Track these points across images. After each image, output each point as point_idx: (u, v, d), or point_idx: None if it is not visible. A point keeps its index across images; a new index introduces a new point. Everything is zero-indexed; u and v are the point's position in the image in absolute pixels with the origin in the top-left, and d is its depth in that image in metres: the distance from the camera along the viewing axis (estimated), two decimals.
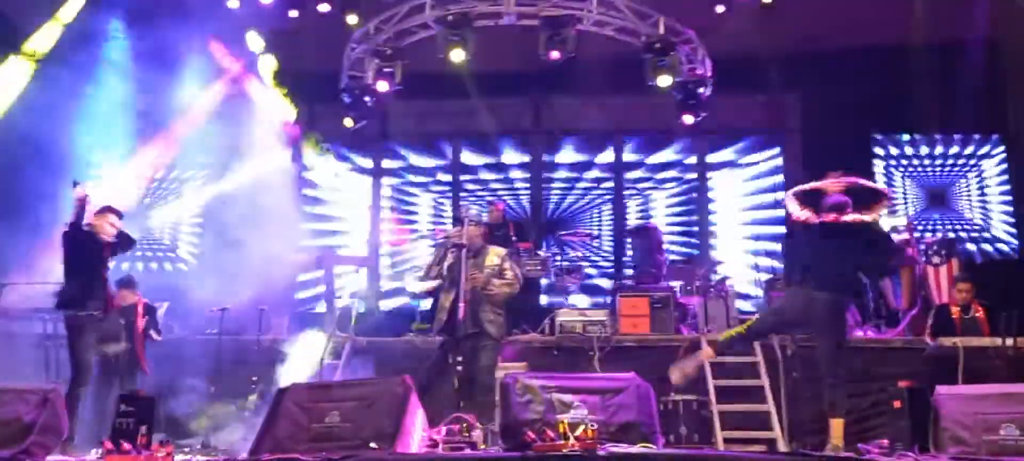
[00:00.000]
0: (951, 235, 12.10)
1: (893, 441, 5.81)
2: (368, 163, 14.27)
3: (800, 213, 6.33)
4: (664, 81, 10.46)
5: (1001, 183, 12.90)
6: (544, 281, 10.64)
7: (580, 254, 10.24)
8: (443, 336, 6.92)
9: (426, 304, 9.09)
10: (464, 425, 5.73)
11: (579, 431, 5.15)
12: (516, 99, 14.06)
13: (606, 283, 12.92)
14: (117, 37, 11.33)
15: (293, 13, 11.75)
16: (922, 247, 9.81)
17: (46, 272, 8.89)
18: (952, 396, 5.55)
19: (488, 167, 14.25)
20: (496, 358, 6.93)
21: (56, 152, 10.01)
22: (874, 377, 7.84)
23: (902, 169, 13.14)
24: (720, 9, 10.94)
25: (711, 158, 13.91)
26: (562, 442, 5.10)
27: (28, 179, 9.81)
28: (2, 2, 10.89)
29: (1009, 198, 12.84)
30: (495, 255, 7.10)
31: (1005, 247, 12.65)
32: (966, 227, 12.76)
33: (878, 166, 13.11)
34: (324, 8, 11.50)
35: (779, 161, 13.68)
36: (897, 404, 5.94)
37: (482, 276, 6.85)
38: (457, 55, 9.97)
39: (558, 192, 14.08)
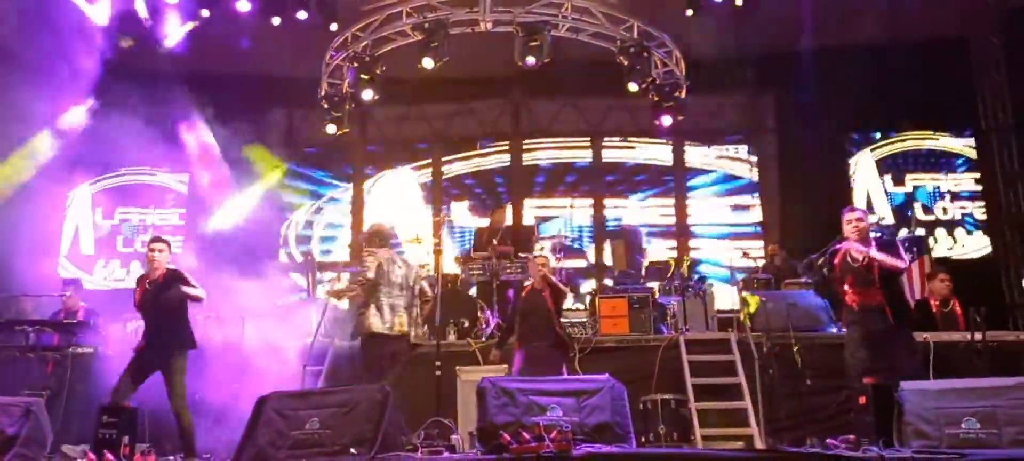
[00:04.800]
0: (921, 232, 12.30)
1: (859, 436, 5.92)
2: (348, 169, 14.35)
3: None
4: (639, 84, 10.57)
5: (973, 179, 13.10)
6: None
7: (560, 256, 10.30)
8: None
9: None
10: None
11: (554, 433, 5.25)
12: (494, 102, 14.20)
13: (586, 284, 13.05)
14: None
15: (276, 20, 11.81)
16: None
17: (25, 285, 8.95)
18: (915, 391, 5.66)
19: (467, 170, 14.35)
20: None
21: None
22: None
23: (875, 166, 13.30)
24: (690, 13, 11.06)
25: (688, 158, 14.03)
26: (537, 443, 5.20)
27: None
28: None
29: (980, 193, 13.04)
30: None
31: (977, 242, 12.85)
32: (939, 223, 12.94)
33: (852, 164, 13.26)
34: (302, 16, 11.58)
35: (755, 159, 13.90)
36: (863, 400, 6.05)
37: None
38: (434, 62, 10.04)
39: (537, 194, 14.20)
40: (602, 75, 11.76)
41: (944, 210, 12.89)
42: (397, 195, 14.23)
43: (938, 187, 13.00)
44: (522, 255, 9.92)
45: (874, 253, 6.45)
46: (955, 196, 12.98)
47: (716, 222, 13.81)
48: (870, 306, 6.49)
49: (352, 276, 7.00)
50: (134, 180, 13.37)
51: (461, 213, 14.05)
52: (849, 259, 6.63)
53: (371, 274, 6.94)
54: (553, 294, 7.68)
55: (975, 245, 12.72)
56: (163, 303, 6.63)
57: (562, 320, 7.93)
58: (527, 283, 8.15)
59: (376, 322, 6.90)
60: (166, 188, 13.47)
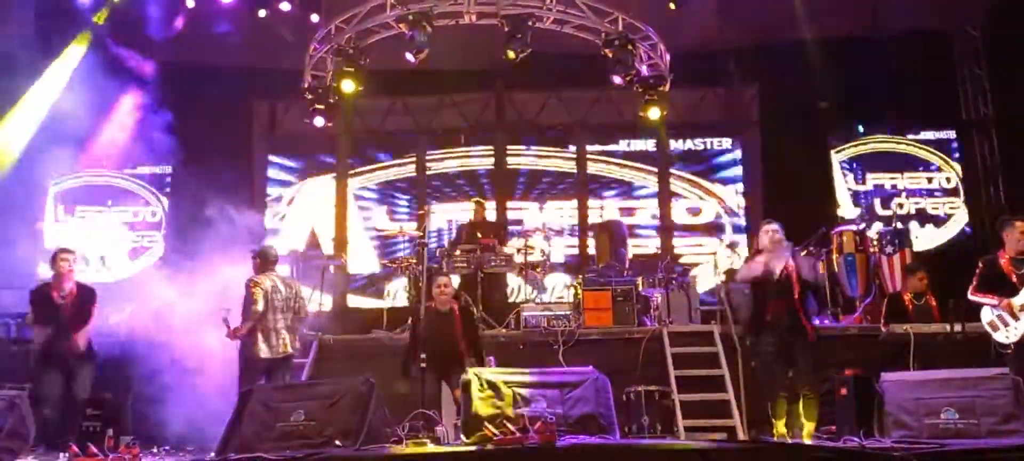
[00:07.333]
0: (903, 225, 12.40)
1: (840, 426, 5.98)
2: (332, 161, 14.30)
3: None
4: (623, 77, 10.59)
5: (953, 171, 13.23)
6: (509, 276, 10.75)
7: (544, 249, 10.33)
8: None
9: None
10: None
11: (539, 424, 5.27)
12: (479, 95, 14.19)
13: (570, 277, 13.06)
14: None
15: (262, 13, 11.78)
16: (875, 237, 10.05)
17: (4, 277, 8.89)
18: (895, 382, 5.73)
19: (452, 162, 14.32)
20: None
21: None
22: (830, 365, 8.02)
23: (858, 159, 13.40)
24: (673, 6, 11.09)
25: (672, 152, 14.07)
26: (522, 435, 5.21)
27: None
28: None
29: (961, 186, 13.17)
30: None
31: (929, 235, 13.01)
32: (920, 215, 13.06)
33: (835, 157, 13.36)
34: (285, 7, 11.54)
35: (738, 153, 13.95)
36: (843, 391, 6.10)
37: None
38: (417, 54, 10.02)
39: (522, 186, 14.20)
40: (586, 68, 11.78)
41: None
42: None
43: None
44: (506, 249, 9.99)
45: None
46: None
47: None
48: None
49: (246, 309, 7.22)
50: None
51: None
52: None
53: (260, 306, 7.17)
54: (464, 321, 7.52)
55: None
56: None
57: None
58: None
59: (264, 348, 7.16)
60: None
